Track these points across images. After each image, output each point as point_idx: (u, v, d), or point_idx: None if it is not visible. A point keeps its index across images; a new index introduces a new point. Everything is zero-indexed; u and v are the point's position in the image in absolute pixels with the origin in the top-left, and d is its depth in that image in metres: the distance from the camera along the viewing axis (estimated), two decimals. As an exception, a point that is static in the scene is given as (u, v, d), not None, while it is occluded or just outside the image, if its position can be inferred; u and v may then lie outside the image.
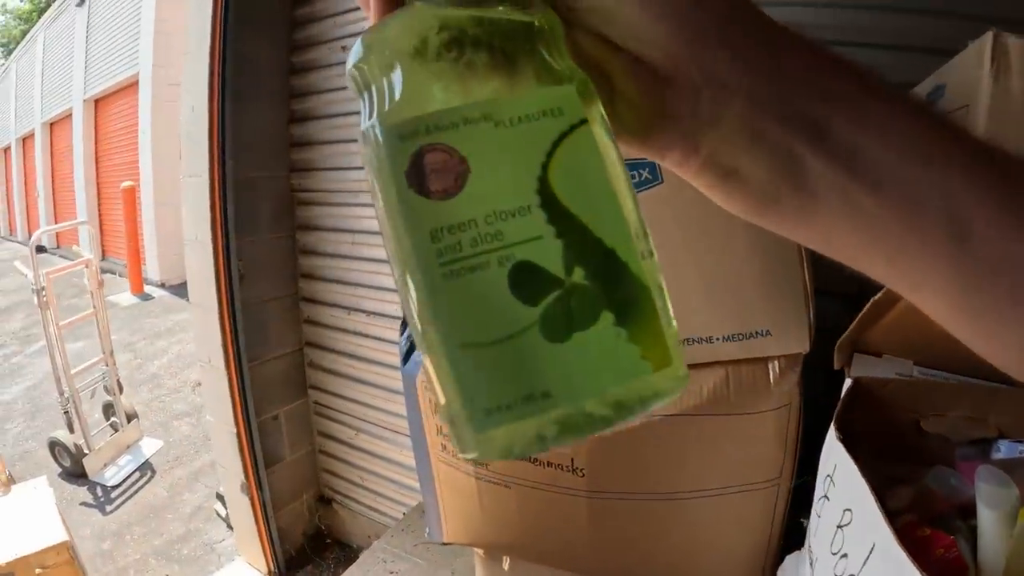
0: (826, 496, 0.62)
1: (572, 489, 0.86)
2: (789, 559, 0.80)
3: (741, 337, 0.78)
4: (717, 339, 0.78)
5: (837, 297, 0.80)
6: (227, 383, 2.20)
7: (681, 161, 0.27)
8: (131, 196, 7.94)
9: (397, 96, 0.22)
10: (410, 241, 0.21)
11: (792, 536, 0.84)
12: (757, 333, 0.78)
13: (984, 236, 0.22)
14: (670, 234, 0.78)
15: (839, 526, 0.57)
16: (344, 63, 0.24)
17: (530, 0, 0.23)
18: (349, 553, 2.55)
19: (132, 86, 8.58)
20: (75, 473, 3.49)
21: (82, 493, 3.39)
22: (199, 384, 4.85)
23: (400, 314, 1.78)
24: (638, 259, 0.22)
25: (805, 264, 0.78)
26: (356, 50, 0.23)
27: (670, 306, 0.23)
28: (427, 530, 1.16)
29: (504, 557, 1.06)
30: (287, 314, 2.37)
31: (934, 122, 0.24)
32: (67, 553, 2.09)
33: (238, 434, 2.26)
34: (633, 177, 0.76)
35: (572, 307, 0.20)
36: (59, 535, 2.11)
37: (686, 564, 0.89)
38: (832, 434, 0.63)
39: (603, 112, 0.24)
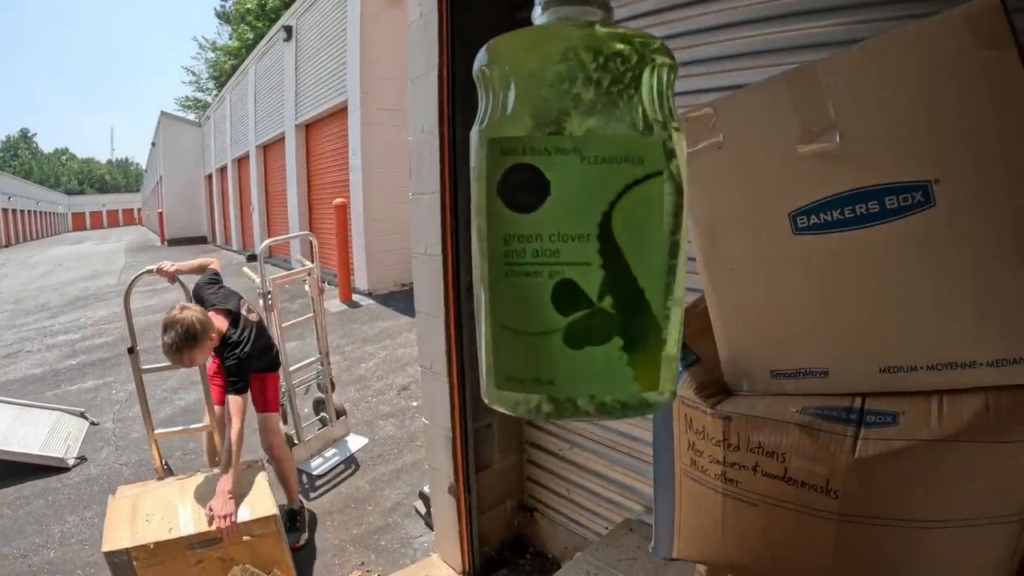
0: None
1: (822, 511, 0.84)
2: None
3: (1006, 363, 0.77)
4: (981, 364, 0.78)
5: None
6: (447, 389, 2.29)
7: None
8: (342, 212, 8.72)
9: (508, 112, 0.25)
10: (488, 238, 0.25)
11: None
12: (1023, 359, 0.76)
13: None
14: (942, 257, 0.78)
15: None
16: None
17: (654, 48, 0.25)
18: (544, 562, 2.58)
19: (340, 112, 9.44)
20: (282, 460, 3.78)
21: (287, 478, 3.66)
22: (405, 388, 5.16)
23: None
24: (662, 303, 0.24)
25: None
26: (482, 53, 0.26)
27: (676, 345, 0.26)
28: (651, 544, 1.15)
29: (727, 576, 1.03)
30: (508, 326, 2.42)
31: None
32: (273, 526, 2.28)
33: (453, 438, 2.35)
34: (906, 199, 0.77)
35: (593, 326, 0.24)
36: (268, 509, 2.30)
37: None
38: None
39: (680, 169, 0.25)
